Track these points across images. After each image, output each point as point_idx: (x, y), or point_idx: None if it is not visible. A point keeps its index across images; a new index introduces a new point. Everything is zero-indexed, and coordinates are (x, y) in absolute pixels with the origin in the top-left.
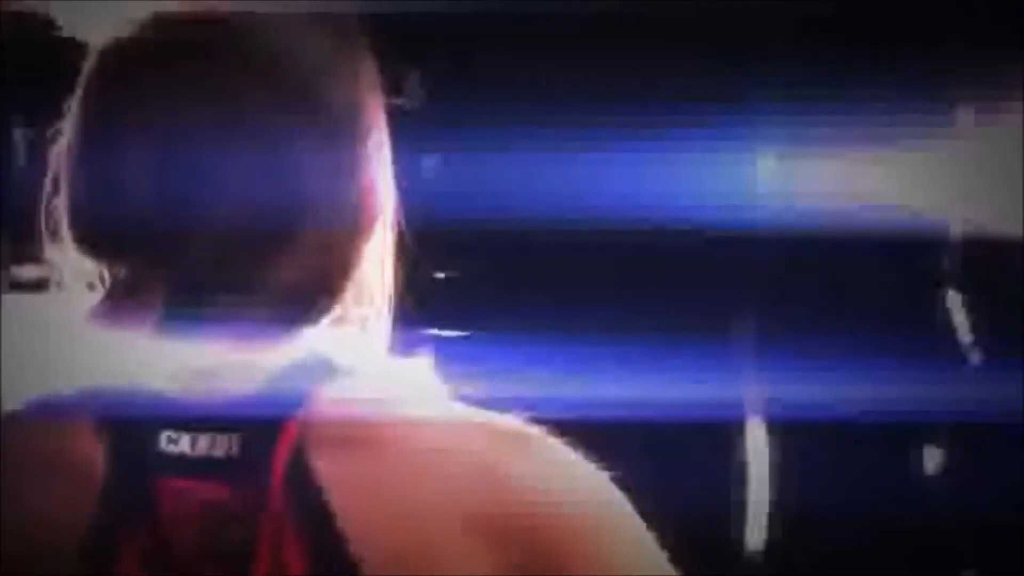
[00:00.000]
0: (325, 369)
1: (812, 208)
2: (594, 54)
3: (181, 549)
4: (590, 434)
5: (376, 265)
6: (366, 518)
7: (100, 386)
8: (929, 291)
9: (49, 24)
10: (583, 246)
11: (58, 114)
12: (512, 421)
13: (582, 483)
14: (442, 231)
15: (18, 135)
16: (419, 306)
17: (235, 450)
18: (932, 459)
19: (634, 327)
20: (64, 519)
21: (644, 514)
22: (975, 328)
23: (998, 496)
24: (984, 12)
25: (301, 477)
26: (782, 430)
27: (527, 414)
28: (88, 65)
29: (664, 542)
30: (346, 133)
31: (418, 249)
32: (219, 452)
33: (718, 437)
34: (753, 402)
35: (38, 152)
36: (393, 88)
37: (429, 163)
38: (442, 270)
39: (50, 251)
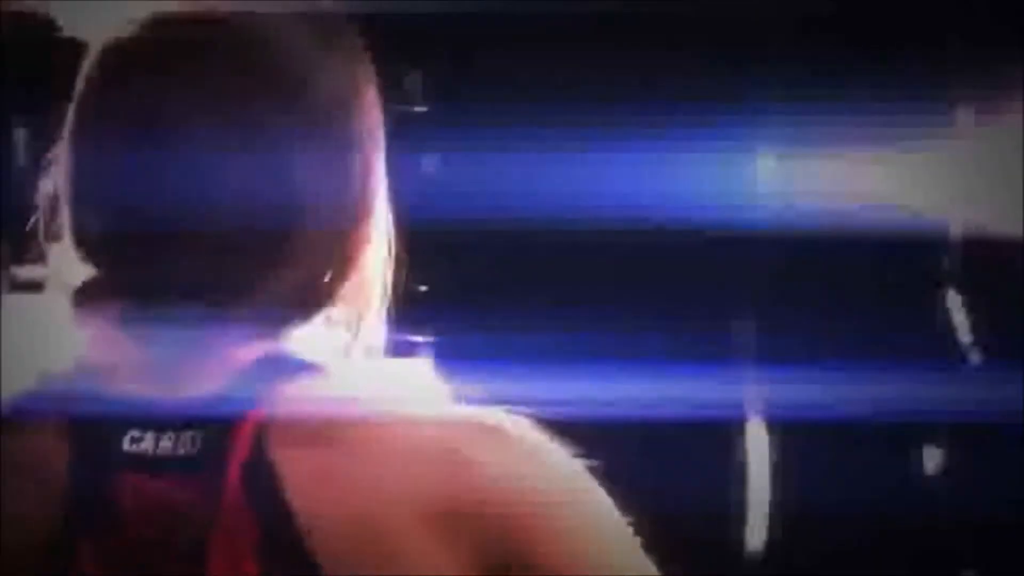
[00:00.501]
0: (290, 366)
1: (812, 208)
2: (594, 54)
3: (142, 547)
4: (590, 434)
5: (372, 264)
6: (327, 516)
7: (66, 384)
8: (929, 291)
9: (49, 24)
10: (583, 246)
11: (58, 114)
12: (483, 413)
13: (553, 472)
14: (442, 231)
15: (18, 135)
16: (415, 306)
17: (195, 448)
18: (932, 459)
19: (634, 327)
20: (27, 517)
21: (644, 514)
22: (975, 328)
23: (998, 496)
24: (984, 12)
25: (260, 474)
26: (782, 430)
27: (526, 414)
28: (88, 65)
29: (664, 542)
30: (343, 133)
31: (416, 249)
32: (181, 450)
33: (718, 437)
34: (753, 402)
35: (38, 152)
36: (393, 88)
37: (429, 163)
38: (440, 270)
39: (50, 251)
